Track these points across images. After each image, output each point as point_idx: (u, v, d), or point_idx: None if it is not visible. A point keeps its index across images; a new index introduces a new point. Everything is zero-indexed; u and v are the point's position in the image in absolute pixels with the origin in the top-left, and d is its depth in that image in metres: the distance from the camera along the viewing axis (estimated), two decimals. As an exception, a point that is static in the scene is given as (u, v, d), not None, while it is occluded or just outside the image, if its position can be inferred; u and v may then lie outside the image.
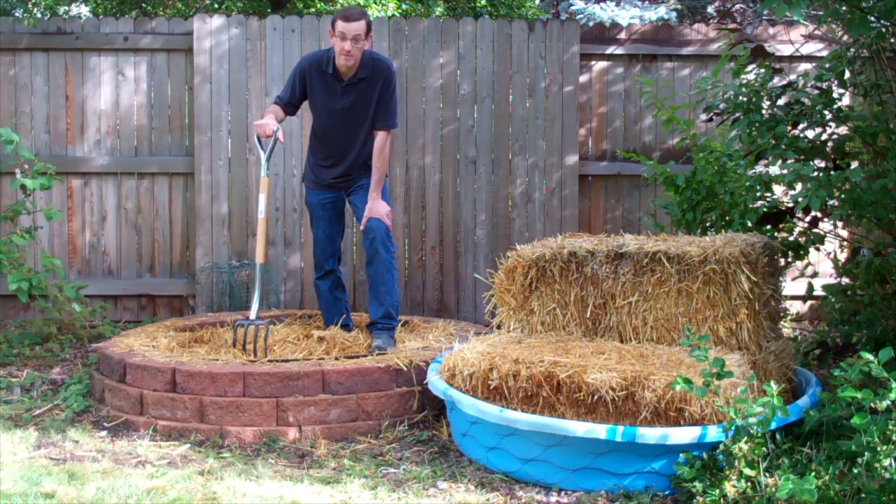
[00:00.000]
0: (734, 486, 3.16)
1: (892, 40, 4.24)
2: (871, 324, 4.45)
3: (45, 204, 6.11)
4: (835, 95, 4.36)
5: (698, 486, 3.26)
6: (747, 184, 4.81)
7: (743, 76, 4.71)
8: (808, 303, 6.23)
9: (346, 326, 5.14)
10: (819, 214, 4.51)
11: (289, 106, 4.97)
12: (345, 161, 4.94)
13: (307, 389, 4.19)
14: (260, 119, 4.87)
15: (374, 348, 4.66)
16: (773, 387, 3.25)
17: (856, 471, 3.08)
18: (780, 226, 4.65)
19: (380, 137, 4.85)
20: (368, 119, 4.86)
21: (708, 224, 4.97)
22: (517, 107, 6.31)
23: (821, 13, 4.62)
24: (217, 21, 6.20)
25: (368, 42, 4.76)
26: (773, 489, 3.07)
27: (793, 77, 5.33)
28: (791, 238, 4.68)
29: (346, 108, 4.84)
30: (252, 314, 4.71)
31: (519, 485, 3.62)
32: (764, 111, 4.44)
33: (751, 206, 4.73)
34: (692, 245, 4.01)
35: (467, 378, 3.85)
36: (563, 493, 3.53)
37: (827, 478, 3.11)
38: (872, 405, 3.09)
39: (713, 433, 3.37)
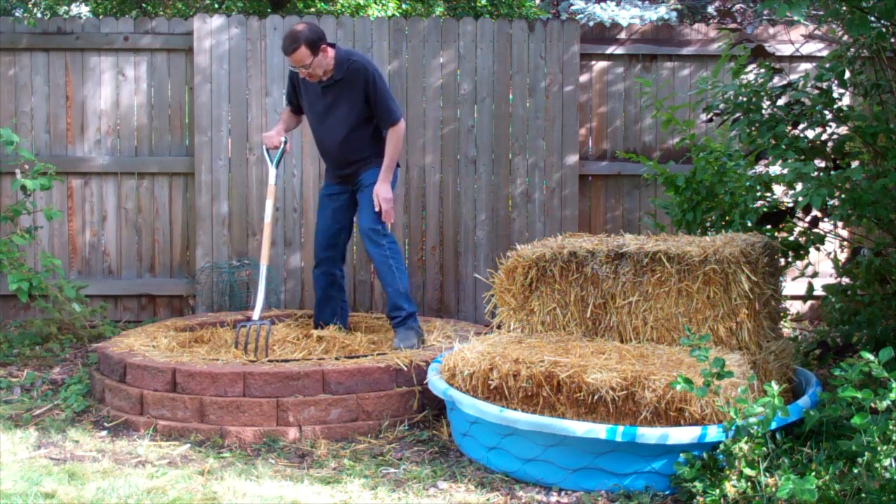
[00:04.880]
0: (734, 486, 3.16)
1: (893, 40, 4.24)
2: (871, 324, 4.45)
3: (45, 204, 6.11)
4: (835, 95, 4.36)
5: (698, 485, 3.26)
6: (747, 184, 4.81)
7: (743, 76, 4.71)
8: (808, 303, 6.23)
9: (337, 327, 5.18)
10: (819, 214, 4.51)
11: (294, 107, 5.13)
12: (336, 158, 5.00)
13: (307, 389, 4.19)
14: (268, 131, 5.06)
15: (393, 349, 4.72)
16: (774, 387, 3.25)
17: (856, 471, 3.08)
18: (780, 226, 4.65)
19: (389, 134, 4.88)
20: (350, 119, 4.86)
21: (708, 224, 4.97)
22: (517, 107, 6.31)
23: (821, 13, 4.61)
24: (217, 21, 6.20)
25: (325, 53, 4.74)
26: (774, 489, 3.07)
27: (793, 77, 5.33)
28: (791, 238, 4.68)
29: (327, 107, 4.90)
30: (255, 315, 4.72)
31: (519, 485, 3.62)
32: (764, 111, 4.44)
33: (751, 206, 4.72)
34: (692, 245, 4.00)
35: (467, 378, 3.85)
36: (563, 493, 3.53)
37: (827, 478, 3.11)
38: (872, 405, 3.09)
39: (713, 433, 3.37)
